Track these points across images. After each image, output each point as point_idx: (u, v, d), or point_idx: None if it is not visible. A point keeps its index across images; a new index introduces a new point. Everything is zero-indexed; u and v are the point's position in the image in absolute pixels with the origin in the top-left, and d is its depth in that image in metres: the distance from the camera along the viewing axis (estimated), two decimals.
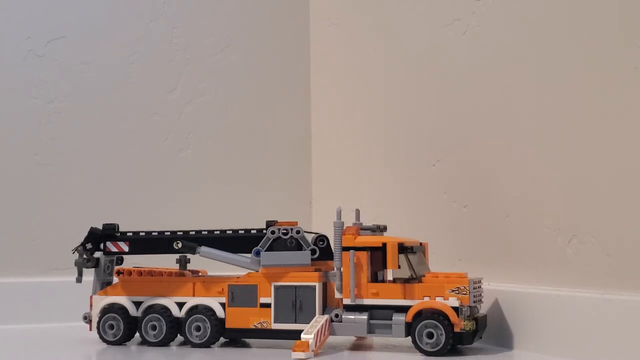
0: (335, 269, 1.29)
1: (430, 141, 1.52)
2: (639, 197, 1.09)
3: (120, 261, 1.47)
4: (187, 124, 1.86)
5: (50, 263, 1.73)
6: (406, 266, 1.26)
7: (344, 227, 1.29)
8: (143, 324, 1.38)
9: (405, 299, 1.26)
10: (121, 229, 1.45)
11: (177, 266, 1.45)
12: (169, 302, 1.38)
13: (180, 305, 1.38)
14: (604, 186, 1.14)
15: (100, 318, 1.40)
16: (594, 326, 1.12)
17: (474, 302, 1.24)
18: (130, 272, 1.41)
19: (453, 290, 1.23)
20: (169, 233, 1.42)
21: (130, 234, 1.44)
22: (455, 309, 1.21)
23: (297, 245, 1.34)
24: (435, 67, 1.52)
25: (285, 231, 1.35)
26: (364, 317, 1.27)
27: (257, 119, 1.92)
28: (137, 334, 1.39)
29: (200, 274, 1.45)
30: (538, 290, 1.24)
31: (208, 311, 1.35)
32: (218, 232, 1.41)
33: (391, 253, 1.26)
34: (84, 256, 1.43)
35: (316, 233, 1.37)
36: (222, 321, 1.35)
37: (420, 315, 1.24)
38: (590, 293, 1.14)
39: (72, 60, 1.79)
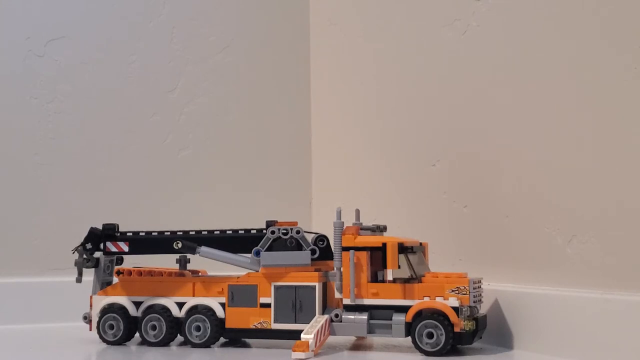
0: (335, 269, 1.29)
1: (429, 141, 1.52)
2: (639, 197, 1.09)
3: (120, 261, 1.47)
4: (187, 124, 1.86)
5: (50, 263, 1.73)
6: (406, 266, 1.26)
7: (344, 227, 1.29)
8: (143, 324, 1.38)
9: (405, 299, 1.25)
10: (121, 229, 1.45)
11: (177, 266, 1.45)
12: (169, 302, 1.38)
13: (180, 305, 1.38)
14: (604, 186, 1.14)
15: (100, 318, 1.40)
16: (594, 326, 1.12)
17: (474, 302, 1.24)
18: (130, 272, 1.41)
19: (453, 290, 1.23)
20: (169, 233, 1.42)
21: (130, 234, 1.44)
22: (455, 309, 1.21)
23: (297, 245, 1.34)
24: (435, 67, 1.51)
25: (285, 231, 1.35)
26: (364, 317, 1.27)
27: (257, 119, 1.92)
28: (137, 334, 1.40)
29: (200, 274, 1.45)
30: (538, 290, 1.24)
31: (208, 311, 1.35)
32: (218, 232, 1.41)
33: (391, 253, 1.26)
34: (84, 256, 1.43)
35: (316, 233, 1.37)
36: (222, 321, 1.35)
37: (420, 315, 1.24)
38: (590, 293, 1.14)
39: (72, 60, 1.79)
